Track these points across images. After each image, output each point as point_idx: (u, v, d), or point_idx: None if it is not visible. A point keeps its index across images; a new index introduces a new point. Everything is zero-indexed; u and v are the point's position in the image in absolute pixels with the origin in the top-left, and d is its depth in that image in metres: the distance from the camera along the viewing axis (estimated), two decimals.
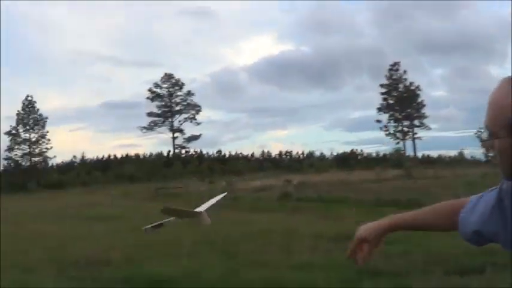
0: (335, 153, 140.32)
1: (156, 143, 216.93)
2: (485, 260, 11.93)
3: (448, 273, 11.43)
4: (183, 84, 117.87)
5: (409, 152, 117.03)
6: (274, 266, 12.07)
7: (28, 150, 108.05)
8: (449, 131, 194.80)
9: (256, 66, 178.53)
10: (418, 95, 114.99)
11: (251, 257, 13.88)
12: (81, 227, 25.02)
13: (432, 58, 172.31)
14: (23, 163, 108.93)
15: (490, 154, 2.37)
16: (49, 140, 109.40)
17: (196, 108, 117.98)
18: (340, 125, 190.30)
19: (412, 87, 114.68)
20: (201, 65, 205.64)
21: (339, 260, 13.00)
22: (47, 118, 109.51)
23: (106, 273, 12.71)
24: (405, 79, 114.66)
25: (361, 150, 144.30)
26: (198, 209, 7.23)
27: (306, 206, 32.45)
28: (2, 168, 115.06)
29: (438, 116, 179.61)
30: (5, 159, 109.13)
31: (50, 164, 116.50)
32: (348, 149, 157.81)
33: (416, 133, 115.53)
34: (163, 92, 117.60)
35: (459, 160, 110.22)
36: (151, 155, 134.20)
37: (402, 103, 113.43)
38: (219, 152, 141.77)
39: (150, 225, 7.30)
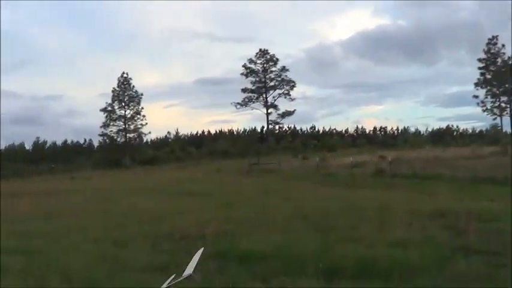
0: (430, 129, 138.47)
1: (250, 119, 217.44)
2: None
3: None
4: (277, 59, 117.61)
5: (507, 128, 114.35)
6: (368, 243, 12.07)
7: (123, 126, 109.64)
8: None
9: (352, 41, 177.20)
10: None
11: (345, 233, 13.91)
12: (175, 202, 25.43)
13: None
14: (118, 139, 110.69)
15: None
16: (144, 116, 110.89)
17: (291, 84, 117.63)
18: (435, 101, 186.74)
19: (511, 61, 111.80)
20: (295, 40, 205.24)
21: (434, 237, 12.96)
22: (142, 95, 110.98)
23: (199, 247, 12.85)
24: (503, 53, 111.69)
25: (457, 127, 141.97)
26: (186, 273, 7.23)
27: (400, 183, 32.21)
28: (97, 144, 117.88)
29: None
30: (101, 135, 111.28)
31: (145, 140, 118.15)
32: (443, 125, 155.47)
33: None
34: (257, 67, 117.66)
35: None
36: (245, 130, 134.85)
37: (500, 78, 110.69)
38: (313, 127, 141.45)
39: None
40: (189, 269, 7.47)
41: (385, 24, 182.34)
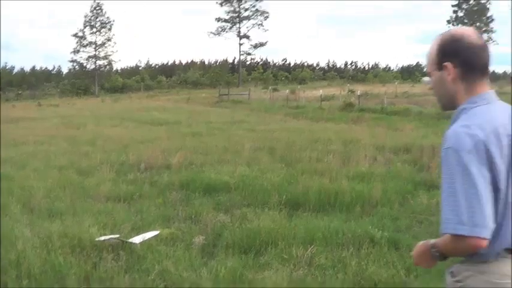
0: (401, 65, 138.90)
1: (223, 49, 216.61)
2: None
3: None
4: None
5: None
6: (332, 176, 12.14)
7: (93, 53, 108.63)
8: None
9: None
10: (488, 9, 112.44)
11: (309, 165, 13.97)
12: (142, 130, 25.38)
13: None
14: (88, 66, 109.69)
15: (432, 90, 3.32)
16: (115, 43, 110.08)
17: (265, 15, 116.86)
18: (409, 37, 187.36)
19: (483, 1, 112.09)
20: None
21: (398, 171, 13.09)
22: (113, 21, 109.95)
23: (164, 177, 12.90)
24: None
25: None
26: (133, 240, 7.29)
27: (368, 117, 32.35)
28: (66, 71, 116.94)
29: (507, 30, 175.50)
30: (70, 61, 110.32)
31: (115, 68, 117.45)
32: (414, 61, 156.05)
33: None
34: None
35: None
36: (216, 61, 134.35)
37: (472, 16, 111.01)
38: (284, 60, 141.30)
39: (103, 238, 7.42)
40: (137, 239, 7.55)
41: None
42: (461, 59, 3.05)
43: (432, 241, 3.14)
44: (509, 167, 2.91)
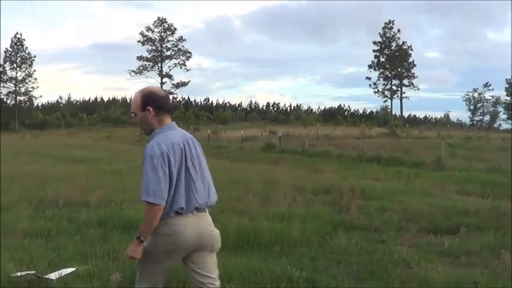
0: (323, 108, 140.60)
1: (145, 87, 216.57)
2: (460, 221, 12.08)
3: (422, 231, 11.55)
4: (175, 29, 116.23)
5: (396, 111, 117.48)
6: (251, 215, 12.13)
7: (14, 88, 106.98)
8: (438, 92, 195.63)
9: (252, 16, 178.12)
10: (409, 55, 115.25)
11: (229, 204, 13.93)
12: (61, 167, 25.02)
13: (431, 18, 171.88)
14: (8, 102, 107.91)
15: (136, 123, 5.53)
16: (35, 79, 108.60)
17: (187, 55, 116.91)
18: (331, 80, 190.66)
19: (405, 47, 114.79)
20: (195, 11, 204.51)
21: (317, 212, 13.15)
22: (35, 57, 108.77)
23: (83, 214, 12.74)
24: (398, 38, 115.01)
25: (349, 106, 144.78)
26: (50, 276, 7.30)
27: (289, 158, 32.61)
28: None
29: (429, 77, 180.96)
30: None
31: (35, 104, 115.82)
32: (336, 104, 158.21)
33: (404, 92, 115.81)
34: (155, 36, 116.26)
35: (445, 122, 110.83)
36: None
37: (393, 62, 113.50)
38: (207, 99, 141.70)
39: (20, 273, 7.39)
40: (54, 276, 7.44)
41: (286, 2, 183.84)
42: (156, 105, 5.26)
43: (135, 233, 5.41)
44: (180, 164, 5.16)
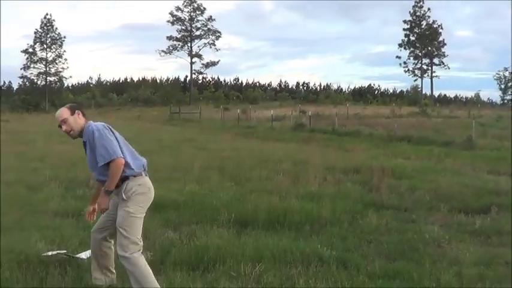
0: (352, 87, 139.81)
1: (174, 68, 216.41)
2: (491, 201, 11.99)
3: (452, 210, 11.48)
4: (204, 9, 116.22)
5: (426, 90, 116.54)
6: (282, 194, 12.13)
7: (44, 69, 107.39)
8: (468, 71, 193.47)
9: None
10: (440, 34, 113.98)
11: (259, 184, 13.98)
12: None
13: None
14: (38, 82, 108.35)
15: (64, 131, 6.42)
16: (66, 59, 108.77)
17: (217, 34, 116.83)
18: (361, 59, 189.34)
19: (435, 25, 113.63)
20: None
21: (347, 191, 13.13)
22: (64, 37, 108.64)
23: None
24: (429, 16, 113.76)
25: (379, 85, 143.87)
26: (80, 255, 7.31)
27: (318, 138, 32.49)
28: (17, 87, 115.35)
29: (460, 55, 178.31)
30: (20, 77, 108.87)
31: (66, 85, 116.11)
32: (366, 83, 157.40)
33: (434, 71, 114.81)
34: (184, 16, 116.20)
35: (475, 101, 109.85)
36: (168, 79, 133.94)
37: (423, 40, 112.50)
38: (237, 79, 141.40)
39: (50, 253, 7.39)
40: (84, 255, 7.50)
41: None
42: (82, 110, 6.42)
43: (103, 189, 6.19)
44: (116, 137, 6.24)
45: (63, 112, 6.28)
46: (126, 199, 6.11)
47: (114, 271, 6.74)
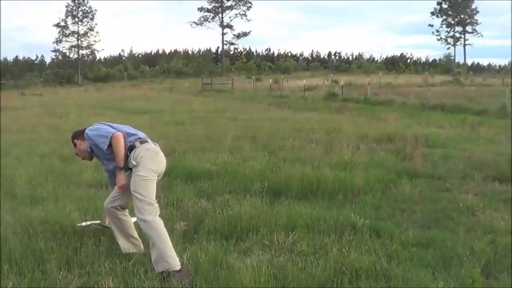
0: (384, 56, 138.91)
1: (206, 39, 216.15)
2: None
3: (487, 179, 11.40)
4: None
5: (459, 58, 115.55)
6: (315, 164, 12.12)
7: (76, 42, 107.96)
8: (502, 39, 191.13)
9: None
10: (472, 1, 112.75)
11: (292, 154, 13.98)
12: (125, 119, 25.25)
13: None
14: (71, 56, 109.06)
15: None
16: (97, 32, 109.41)
17: (248, 5, 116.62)
18: (393, 28, 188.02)
19: None
20: None
21: (381, 160, 13.09)
22: (96, 10, 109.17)
23: None
24: None
25: (411, 54, 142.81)
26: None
27: (351, 107, 32.39)
28: (49, 60, 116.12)
29: (493, 23, 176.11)
30: (53, 51, 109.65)
31: (98, 57, 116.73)
32: (398, 52, 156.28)
33: (467, 39, 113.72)
34: None
35: (509, 69, 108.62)
36: (199, 50, 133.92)
37: (456, 8, 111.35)
38: (268, 49, 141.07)
39: (84, 223, 7.42)
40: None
41: None
42: (78, 135, 6.86)
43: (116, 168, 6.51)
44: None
45: (72, 150, 7.14)
46: (136, 164, 6.33)
47: (139, 238, 6.84)
